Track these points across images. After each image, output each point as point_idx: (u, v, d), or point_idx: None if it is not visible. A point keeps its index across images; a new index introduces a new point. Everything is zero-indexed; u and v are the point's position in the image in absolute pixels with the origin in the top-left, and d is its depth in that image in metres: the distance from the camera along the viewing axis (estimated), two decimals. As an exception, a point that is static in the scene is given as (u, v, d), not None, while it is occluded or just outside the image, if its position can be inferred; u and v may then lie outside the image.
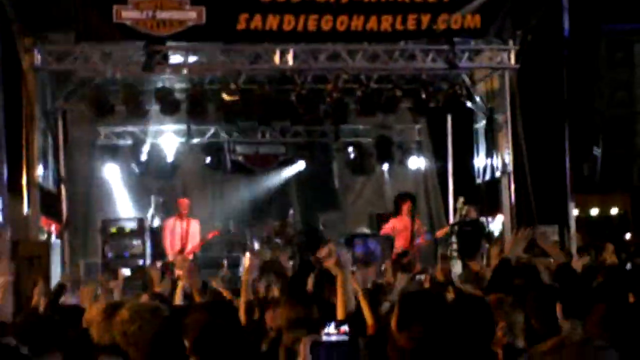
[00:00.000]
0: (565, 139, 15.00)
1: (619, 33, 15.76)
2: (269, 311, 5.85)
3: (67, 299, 9.32)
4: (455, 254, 15.74)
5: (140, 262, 15.39)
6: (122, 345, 4.33)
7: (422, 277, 11.21)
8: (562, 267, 6.45)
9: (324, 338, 2.76)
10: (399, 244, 13.65)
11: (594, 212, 28.63)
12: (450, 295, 6.37)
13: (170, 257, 13.91)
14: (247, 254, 15.04)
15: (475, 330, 3.83)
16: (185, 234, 13.98)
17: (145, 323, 4.29)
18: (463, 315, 3.42)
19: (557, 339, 3.60)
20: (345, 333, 2.76)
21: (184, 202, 14.24)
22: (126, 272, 14.38)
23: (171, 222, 14.20)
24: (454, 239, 16.03)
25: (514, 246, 6.26)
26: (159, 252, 15.20)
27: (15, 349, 4.39)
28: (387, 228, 14.04)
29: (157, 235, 15.60)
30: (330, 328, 2.78)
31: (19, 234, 13.79)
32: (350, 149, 18.63)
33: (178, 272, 10.51)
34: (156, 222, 16.23)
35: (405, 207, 13.70)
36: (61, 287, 8.86)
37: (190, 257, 13.90)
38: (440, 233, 14.36)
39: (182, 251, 14.04)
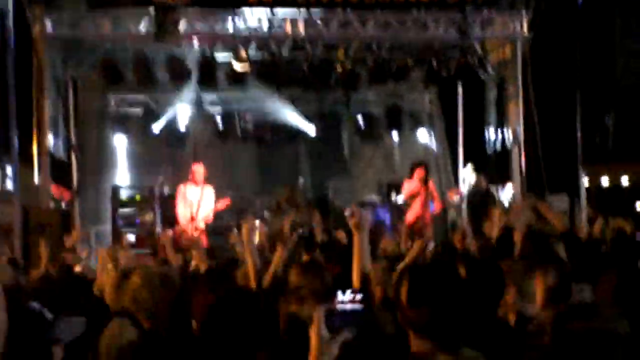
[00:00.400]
0: (576, 109, 14.91)
1: (634, 1, 15.62)
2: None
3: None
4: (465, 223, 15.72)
5: (151, 229, 15.43)
6: (133, 311, 4.37)
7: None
8: (565, 235, 6.44)
9: (338, 307, 2.76)
10: (412, 210, 13.64)
11: (605, 181, 28.54)
12: (462, 269, 6.35)
13: (182, 225, 13.89)
14: (257, 222, 15.14)
15: (487, 300, 3.83)
16: (199, 201, 13.93)
17: (156, 290, 4.33)
18: (476, 289, 3.40)
19: (567, 305, 3.58)
20: (359, 301, 2.76)
21: (199, 168, 14.16)
22: (131, 238, 14.45)
23: (184, 188, 14.16)
24: (463, 207, 16.00)
25: (519, 214, 6.25)
26: (169, 219, 15.18)
27: (40, 313, 4.41)
28: (406, 193, 14.02)
29: (167, 203, 15.57)
30: (344, 296, 2.77)
31: (30, 201, 13.84)
32: (361, 117, 18.61)
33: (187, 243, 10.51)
34: (166, 190, 16.23)
35: (418, 173, 13.65)
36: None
37: (202, 225, 13.85)
38: (451, 194, 14.32)
39: (192, 219, 13.96)
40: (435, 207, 13.87)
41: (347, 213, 4.80)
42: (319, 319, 2.74)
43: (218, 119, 18.14)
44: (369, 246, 4.63)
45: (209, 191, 13.96)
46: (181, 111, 17.71)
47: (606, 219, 10.57)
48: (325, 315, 2.73)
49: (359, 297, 2.76)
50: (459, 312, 2.86)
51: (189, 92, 17.21)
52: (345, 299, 2.76)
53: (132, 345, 4.08)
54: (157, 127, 17.61)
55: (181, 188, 14.17)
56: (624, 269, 4.66)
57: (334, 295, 2.78)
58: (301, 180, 16.54)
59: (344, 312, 2.75)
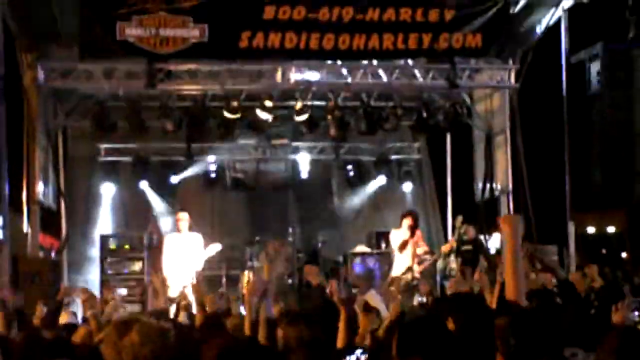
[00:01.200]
0: (565, 158, 15.04)
1: (620, 51, 15.87)
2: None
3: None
4: (454, 273, 15.72)
5: (140, 279, 15.34)
6: None
7: (424, 299, 11.24)
8: (563, 284, 6.47)
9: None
10: (402, 260, 13.63)
11: (591, 230, 28.67)
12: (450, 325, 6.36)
13: (166, 274, 13.71)
14: (246, 272, 15.08)
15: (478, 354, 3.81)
16: (186, 249, 13.79)
17: (156, 347, 4.31)
18: (465, 344, 3.39)
19: None
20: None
21: (180, 216, 14.03)
22: (122, 291, 14.37)
23: (171, 237, 14.08)
24: (452, 257, 16.01)
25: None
26: (158, 269, 15.10)
27: None
28: (392, 242, 14.02)
29: (156, 252, 15.50)
30: (353, 356, 2.78)
31: (19, 250, 13.79)
32: (350, 166, 18.68)
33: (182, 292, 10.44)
34: (155, 240, 16.18)
35: (407, 221, 13.66)
36: (59, 305, 8.87)
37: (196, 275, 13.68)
38: (445, 248, 14.35)
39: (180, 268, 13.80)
40: (425, 265, 13.91)
41: (327, 290, 4.92)
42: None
43: (209, 167, 18.18)
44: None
45: (197, 239, 13.80)
46: (172, 159, 17.79)
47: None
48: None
49: (367, 356, 2.77)
50: None
51: (179, 140, 17.29)
52: (352, 358, 2.77)
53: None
54: (148, 176, 17.64)
55: (168, 238, 14.08)
56: (626, 331, 4.68)
57: (344, 356, 2.79)
58: (290, 230, 16.55)
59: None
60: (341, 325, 4.80)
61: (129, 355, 4.35)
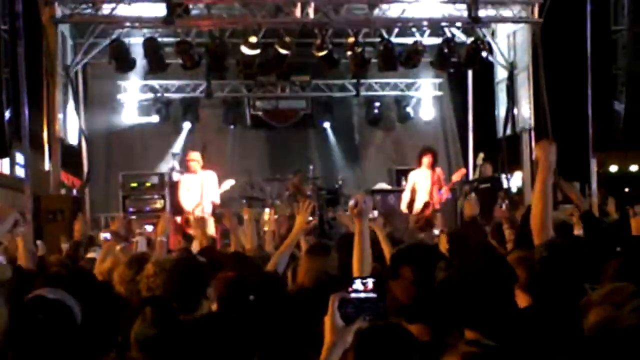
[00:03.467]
0: (587, 95, 14.84)
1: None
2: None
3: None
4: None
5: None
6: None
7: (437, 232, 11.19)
8: (586, 215, 6.44)
9: (352, 295, 2.75)
10: (420, 196, 13.62)
11: (613, 168, 28.47)
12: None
13: (186, 212, 13.78)
14: (267, 210, 15.12)
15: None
16: (200, 187, 13.81)
17: (169, 276, 4.35)
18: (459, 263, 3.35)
19: (610, 287, 3.50)
20: (372, 290, 2.75)
21: (190, 156, 14.01)
22: (149, 228, 14.45)
23: (186, 177, 14.10)
24: (473, 195, 15.95)
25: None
26: (179, 206, 15.15)
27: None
28: (408, 184, 13.97)
29: (177, 190, 15.56)
30: (357, 284, 2.77)
31: (41, 188, 13.88)
32: (371, 103, 18.62)
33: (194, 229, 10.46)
34: (176, 177, 16.23)
35: (426, 159, 13.62)
36: (77, 243, 8.94)
37: (209, 209, 13.70)
38: (455, 177, 14.25)
39: (198, 204, 13.83)
40: (444, 194, 13.83)
41: (350, 203, 4.73)
42: (333, 308, 2.74)
43: (227, 105, 18.17)
44: (369, 233, 4.68)
45: (211, 176, 13.77)
46: (191, 97, 17.79)
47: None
48: (339, 303, 2.73)
49: (373, 284, 2.75)
50: (445, 292, 2.91)
51: (198, 78, 17.26)
52: (360, 287, 2.76)
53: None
54: (166, 113, 17.67)
55: (184, 177, 14.07)
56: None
57: (349, 284, 2.77)
58: (311, 167, 16.54)
59: (358, 300, 2.74)
60: (355, 240, 4.64)
61: (144, 287, 4.42)
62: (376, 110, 18.66)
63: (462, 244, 6.22)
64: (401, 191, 15.33)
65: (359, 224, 4.58)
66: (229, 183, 13.77)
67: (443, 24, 15.51)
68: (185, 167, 14.38)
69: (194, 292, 4.28)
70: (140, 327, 3.68)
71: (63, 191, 14.47)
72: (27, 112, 13.03)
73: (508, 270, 3.16)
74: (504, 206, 10.64)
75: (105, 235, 7.28)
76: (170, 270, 4.39)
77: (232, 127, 18.46)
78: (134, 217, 12.72)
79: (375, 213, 13.29)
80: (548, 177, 4.36)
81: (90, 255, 9.10)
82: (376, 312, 2.75)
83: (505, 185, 15.73)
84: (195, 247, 8.43)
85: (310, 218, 14.07)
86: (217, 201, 13.73)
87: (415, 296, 2.96)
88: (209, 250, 7.25)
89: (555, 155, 4.40)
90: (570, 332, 3.65)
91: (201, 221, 9.47)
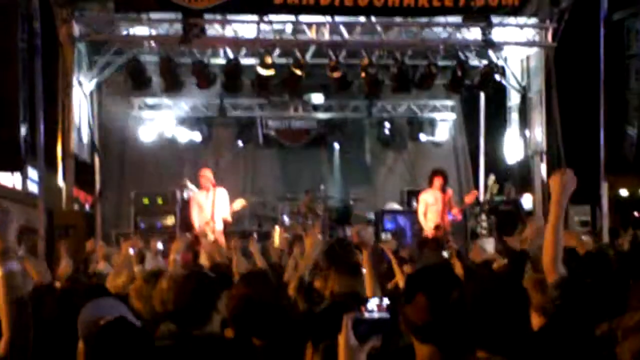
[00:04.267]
0: (600, 119, 14.87)
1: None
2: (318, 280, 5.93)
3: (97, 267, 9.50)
4: (484, 232, 15.71)
5: (172, 233, 15.46)
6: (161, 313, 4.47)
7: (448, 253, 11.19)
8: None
9: (366, 315, 2.80)
10: (430, 218, 13.64)
11: (624, 193, 28.37)
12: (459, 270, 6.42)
13: (197, 230, 13.84)
14: (277, 228, 15.16)
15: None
16: (212, 205, 13.88)
17: (181, 291, 4.44)
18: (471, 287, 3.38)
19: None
20: (387, 310, 2.80)
21: (203, 173, 14.10)
22: (159, 245, 14.50)
23: (198, 194, 14.18)
24: (483, 217, 15.99)
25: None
26: (190, 224, 15.21)
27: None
28: (419, 206, 14.00)
29: (188, 207, 15.61)
30: (371, 304, 2.81)
31: (54, 204, 13.95)
32: (383, 124, 18.71)
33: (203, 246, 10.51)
34: (187, 195, 16.29)
35: (437, 181, 13.66)
36: (87, 259, 9.00)
37: (220, 226, 13.75)
38: (467, 199, 14.26)
39: (208, 222, 13.88)
40: (455, 215, 13.85)
41: (349, 234, 5.09)
42: (347, 327, 2.78)
43: (240, 124, 18.29)
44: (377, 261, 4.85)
45: (222, 194, 13.84)
46: (204, 116, 17.91)
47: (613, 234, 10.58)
48: (354, 323, 2.77)
49: (387, 304, 2.80)
50: (458, 315, 2.94)
51: (212, 97, 17.38)
52: (374, 307, 2.80)
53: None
54: (180, 131, 17.78)
55: (195, 195, 14.16)
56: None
57: (362, 304, 2.82)
58: (322, 187, 16.62)
59: (372, 320, 2.79)
60: (365, 266, 4.90)
61: (158, 301, 4.50)
62: (388, 131, 18.74)
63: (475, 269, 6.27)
64: (412, 212, 15.36)
65: (364, 252, 4.98)
66: (240, 203, 13.82)
67: (457, 47, 15.54)
68: (197, 185, 14.47)
69: (205, 306, 4.37)
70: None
71: (76, 207, 14.55)
72: (42, 128, 13.13)
73: (522, 293, 3.21)
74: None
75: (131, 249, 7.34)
76: (182, 285, 4.49)
77: (244, 145, 18.56)
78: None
79: (388, 235, 13.34)
80: (561, 212, 4.28)
81: (100, 268, 9.18)
82: (389, 332, 2.79)
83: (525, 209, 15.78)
84: (203, 261, 8.50)
85: (320, 237, 14.16)
86: (229, 218, 13.79)
87: (429, 321, 3.00)
88: (220, 266, 7.30)
89: (573, 184, 4.28)
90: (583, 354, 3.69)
91: (214, 245, 9.54)
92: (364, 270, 5.13)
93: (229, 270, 6.28)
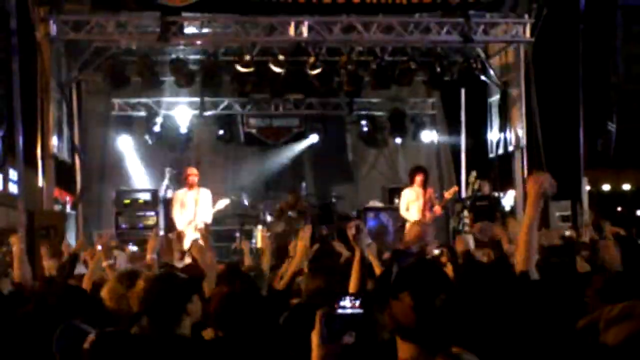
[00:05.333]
0: (579, 114, 14.94)
1: (636, 7, 15.67)
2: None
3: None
4: (467, 228, 15.73)
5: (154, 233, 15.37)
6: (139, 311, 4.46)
7: (439, 251, 11.20)
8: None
9: (339, 311, 2.78)
10: (411, 215, 13.64)
11: (606, 187, 28.52)
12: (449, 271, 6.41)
13: (179, 229, 13.78)
14: (259, 227, 15.14)
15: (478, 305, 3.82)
16: (195, 204, 13.84)
17: (148, 292, 4.43)
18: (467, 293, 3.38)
19: (627, 305, 3.53)
20: (360, 307, 2.79)
21: (191, 171, 14.06)
22: (133, 248, 14.44)
23: (181, 193, 14.11)
24: (465, 213, 16.01)
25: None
26: (172, 223, 15.14)
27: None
28: (401, 204, 14.00)
29: (170, 207, 15.54)
30: (345, 301, 2.80)
31: (34, 205, 13.87)
32: (364, 122, 18.73)
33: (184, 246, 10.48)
34: (170, 194, 16.24)
35: (418, 178, 13.67)
36: (75, 257, 8.92)
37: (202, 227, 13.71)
38: (448, 195, 14.28)
39: (191, 222, 13.83)
40: (436, 211, 13.87)
41: (348, 230, 5.00)
42: (319, 323, 2.77)
43: (221, 122, 18.23)
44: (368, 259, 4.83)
45: (206, 194, 13.81)
46: (184, 114, 17.83)
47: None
48: (326, 319, 2.76)
49: (358, 302, 2.79)
50: (443, 318, 2.92)
51: (192, 95, 17.32)
52: (347, 304, 2.79)
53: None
54: (160, 130, 17.70)
55: (177, 193, 14.08)
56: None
57: (336, 300, 2.81)
58: (304, 184, 16.59)
59: (345, 316, 2.77)
60: (355, 266, 4.89)
61: (135, 302, 4.47)
62: (369, 128, 18.73)
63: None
64: (394, 209, 15.37)
65: (357, 249, 4.92)
66: (224, 202, 13.78)
67: (435, 43, 15.56)
68: (177, 184, 14.45)
69: (173, 308, 4.34)
70: None
71: (56, 207, 14.47)
72: (21, 128, 13.06)
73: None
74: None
75: (98, 247, 7.28)
76: (150, 286, 4.46)
77: (225, 144, 18.50)
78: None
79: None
80: (536, 214, 4.30)
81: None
82: (362, 328, 2.78)
83: (502, 205, 15.81)
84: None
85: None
86: (209, 221, 13.74)
87: (413, 320, 2.97)
88: (192, 266, 7.23)
89: (551, 186, 4.29)
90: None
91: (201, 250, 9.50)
92: (353, 267, 5.09)
93: (201, 272, 6.23)
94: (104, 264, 7.00)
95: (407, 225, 13.60)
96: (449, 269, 6.59)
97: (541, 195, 4.24)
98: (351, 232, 4.97)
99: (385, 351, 3.06)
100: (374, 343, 3.12)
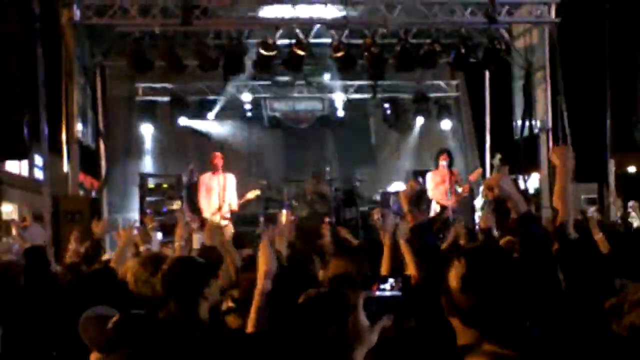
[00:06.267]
0: (606, 95, 14.77)
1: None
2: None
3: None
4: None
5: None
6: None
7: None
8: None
9: (377, 294, 2.75)
10: (437, 197, 13.59)
11: (632, 169, 28.34)
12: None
13: (205, 214, 13.81)
14: (284, 211, 15.11)
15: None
16: (222, 189, 13.86)
17: (167, 276, 4.46)
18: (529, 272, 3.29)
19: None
20: (398, 289, 2.75)
21: (217, 155, 14.07)
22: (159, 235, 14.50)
23: (207, 177, 14.14)
24: (487, 209, 15.88)
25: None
26: (196, 208, 15.14)
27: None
28: (428, 185, 13.92)
29: (194, 191, 15.53)
30: (383, 283, 2.76)
31: (59, 190, 13.93)
32: (388, 104, 18.60)
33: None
34: (194, 179, 16.24)
35: (443, 160, 13.63)
36: (97, 243, 8.95)
37: (228, 214, 13.77)
38: (473, 177, 14.21)
39: (220, 208, 13.87)
40: (462, 193, 13.83)
41: (375, 217, 5.00)
42: (358, 306, 2.73)
43: (246, 106, 18.21)
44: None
45: (231, 179, 13.85)
46: (209, 98, 17.87)
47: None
48: (365, 302, 2.72)
49: (399, 283, 2.74)
50: (512, 299, 2.78)
51: (217, 79, 17.29)
52: (386, 286, 2.75)
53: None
54: (185, 115, 17.74)
55: (203, 178, 14.13)
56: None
57: (375, 283, 2.76)
58: (327, 168, 16.56)
59: (383, 299, 2.73)
60: (385, 252, 4.85)
61: (159, 287, 4.51)
62: (393, 112, 18.64)
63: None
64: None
65: (386, 236, 4.94)
66: (254, 193, 13.86)
67: (460, 24, 15.41)
68: (203, 169, 14.46)
69: (191, 291, 4.35)
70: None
71: (81, 193, 14.52)
72: (45, 114, 13.09)
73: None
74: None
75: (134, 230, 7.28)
76: (167, 270, 4.48)
77: (249, 128, 18.50)
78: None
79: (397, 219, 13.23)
80: (567, 184, 4.42)
81: (105, 257, 9.14)
82: (401, 310, 2.74)
83: (522, 187, 15.66)
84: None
85: (327, 219, 14.13)
86: (235, 206, 13.82)
87: (474, 305, 2.81)
88: (209, 251, 7.20)
89: (572, 160, 4.46)
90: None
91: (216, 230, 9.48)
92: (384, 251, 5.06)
93: (219, 257, 6.20)
94: (141, 248, 7.03)
95: (433, 206, 13.63)
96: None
97: (567, 168, 4.44)
98: (376, 220, 4.97)
99: (421, 335, 3.02)
100: (410, 327, 3.08)
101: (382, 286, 2.73)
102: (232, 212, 14.00)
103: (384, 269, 4.86)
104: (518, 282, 2.75)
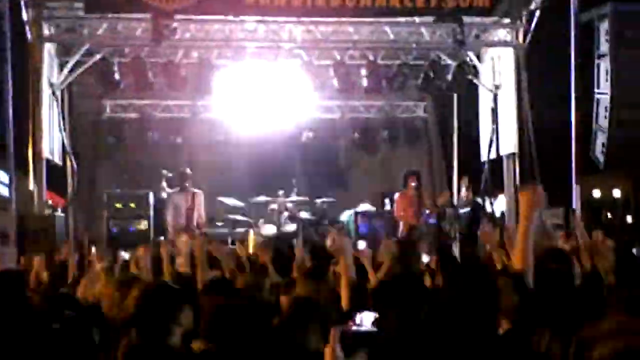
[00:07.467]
0: (571, 119, 14.93)
1: (629, 13, 15.71)
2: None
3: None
4: (458, 235, 15.72)
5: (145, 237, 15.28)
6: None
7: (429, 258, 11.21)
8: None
9: (353, 328, 2.76)
10: (406, 220, 13.66)
11: (597, 194, 28.53)
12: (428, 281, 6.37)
13: (171, 233, 13.76)
14: (251, 231, 15.08)
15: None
16: (190, 207, 13.82)
17: (138, 302, 4.44)
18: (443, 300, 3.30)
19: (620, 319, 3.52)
20: (373, 324, 2.77)
21: (185, 173, 14.05)
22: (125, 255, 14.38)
23: (175, 196, 14.12)
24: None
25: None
26: (163, 227, 15.03)
27: None
28: (396, 207, 13.97)
29: (161, 210, 15.42)
30: (358, 318, 2.78)
31: (25, 208, 13.78)
32: (356, 125, 18.63)
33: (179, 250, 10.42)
34: (161, 197, 16.14)
35: (411, 182, 13.72)
36: (63, 265, 8.86)
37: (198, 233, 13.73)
38: (440, 199, 14.29)
39: (187, 227, 13.82)
40: (429, 216, 13.91)
41: (327, 241, 5.02)
42: (334, 340, 2.74)
43: (214, 125, 18.14)
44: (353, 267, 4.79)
45: (199, 197, 13.84)
46: (176, 117, 17.78)
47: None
48: (341, 336, 2.73)
49: (374, 319, 2.76)
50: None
51: (184, 98, 17.24)
52: (361, 322, 2.77)
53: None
54: (152, 133, 17.64)
55: (172, 196, 14.09)
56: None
57: (351, 317, 2.78)
58: (295, 189, 16.57)
59: (359, 334, 2.75)
60: (342, 273, 4.83)
61: (130, 309, 4.48)
62: (361, 132, 18.64)
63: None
64: (386, 213, 15.36)
65: (341, 259, 4.93)
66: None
67: (428, 47, 15.54)
68: (173, 186, 14.44)
69: (163, 318, 4.31)
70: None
71: (47, 211, 14.37)
72: (12, 130, 12.97)
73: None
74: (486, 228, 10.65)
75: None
76: (139, 295, 4.44)
77: (217, 145, 18.43)
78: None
79: (363, 244, 13.21)
80: (530, 230, 4.32)
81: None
82: (376, 345, 2.76)
83: (488, 209, 15.76)
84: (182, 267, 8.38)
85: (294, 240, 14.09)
86: (203, 221, 13.81)
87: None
88: (183, 277, 7.15)
89: (543, 203, 4.34)
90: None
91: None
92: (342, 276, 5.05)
93: (193, 282, 6.17)
94: (98, 266, 6.97)
95: (401, 227, 13.68)
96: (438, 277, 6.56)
97: (533, 209, 4.28)
98: (331, 244, 4.98)
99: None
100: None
101: (356, 320, 2.75)
102: (200, 227, 13.96)
103: (344, 297, 4.77)
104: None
